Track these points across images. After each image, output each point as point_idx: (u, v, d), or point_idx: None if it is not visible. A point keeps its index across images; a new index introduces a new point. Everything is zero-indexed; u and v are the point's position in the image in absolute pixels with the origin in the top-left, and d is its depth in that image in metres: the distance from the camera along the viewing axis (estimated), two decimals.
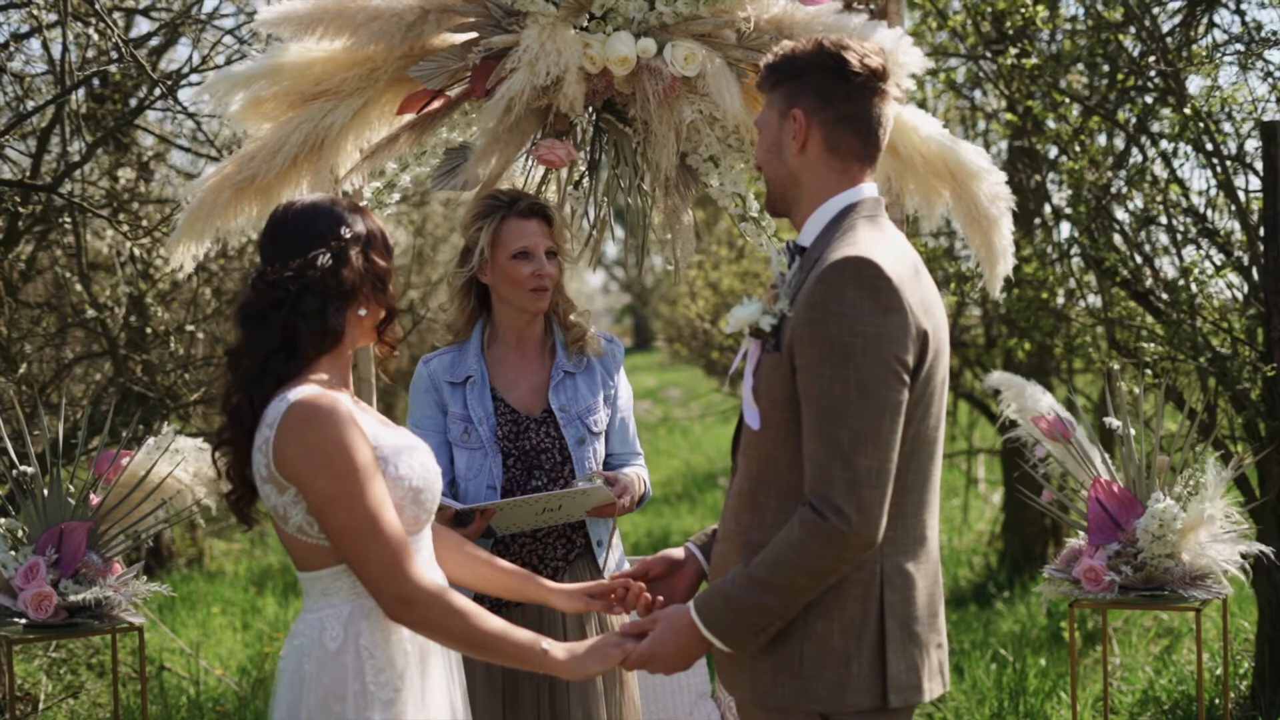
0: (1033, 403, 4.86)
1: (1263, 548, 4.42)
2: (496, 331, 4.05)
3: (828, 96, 2.91)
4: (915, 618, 2.90)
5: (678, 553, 3.32)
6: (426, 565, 3.01)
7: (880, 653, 2.85)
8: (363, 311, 2.98)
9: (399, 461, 2.93)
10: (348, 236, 2.94)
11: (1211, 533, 4.30)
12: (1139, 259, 6.36)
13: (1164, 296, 6.11)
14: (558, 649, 2.96)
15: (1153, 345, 5.94)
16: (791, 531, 2.77)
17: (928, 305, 2.85)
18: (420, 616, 2.86)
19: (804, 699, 2.86)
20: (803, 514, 2.76)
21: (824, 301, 2.75)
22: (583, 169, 4.21)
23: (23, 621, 4.11)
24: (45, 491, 4.27)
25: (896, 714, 2.90)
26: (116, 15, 6.74)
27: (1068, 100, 6.64)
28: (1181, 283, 5.96)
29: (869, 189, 2.96)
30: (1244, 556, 4.33)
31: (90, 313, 6.81)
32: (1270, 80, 5.93)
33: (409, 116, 4.03)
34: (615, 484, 3.88)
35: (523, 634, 2.95)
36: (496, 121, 3.81)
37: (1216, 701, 5.80)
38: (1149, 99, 6.50)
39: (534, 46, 3.77)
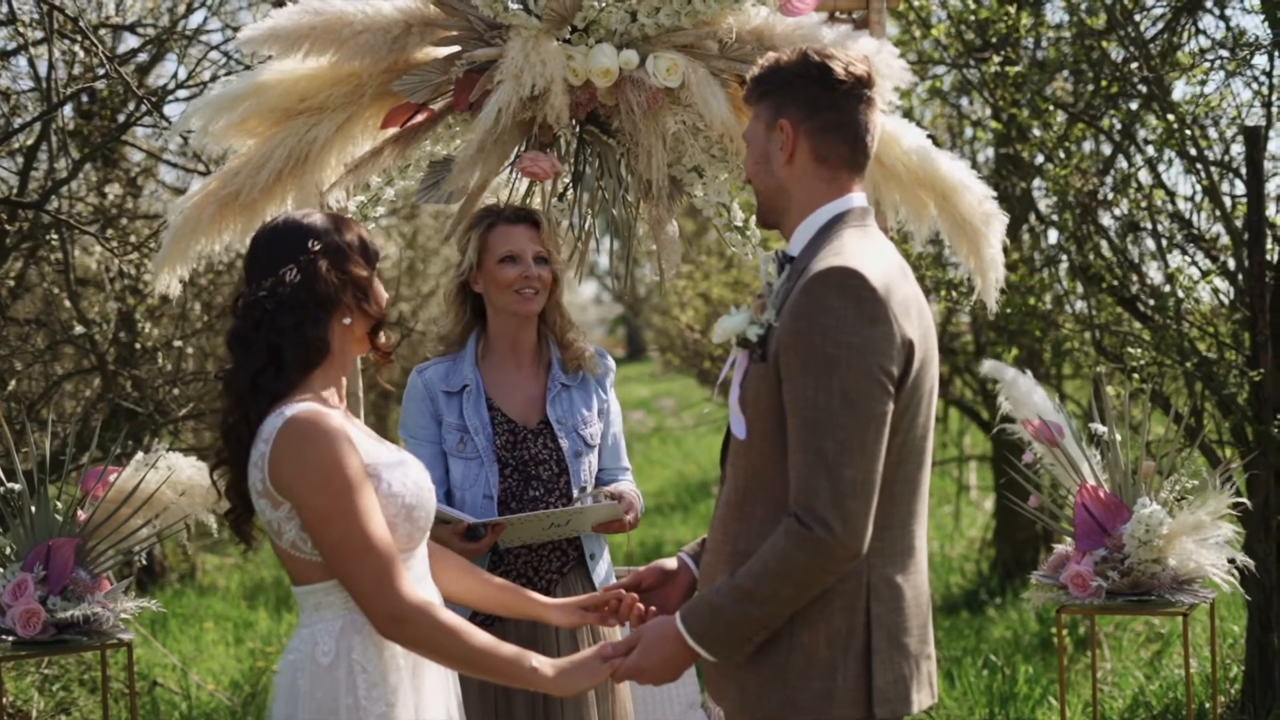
0: (1025, 395, 4.85)
1: (1245, 559, 4.42)
2: (491, 342, 4.05)
3: (814, 106, 2.91)
4: (903, 629, 2.90)
5: (670, 563, 3.32)
6: (419, 582, 3.01)
7: (866, 664, 2.85)
8: (347, 320, 2.98)
9: (392, 479, 2.94)
10: (315, 249, 2.95)
11: (1200, 538, 4.31)
12: (1125, 265, 6.37)
13: (1150, 302, 6.12)
14: (546, 666, 2.97)
15: (1139, 350, 5.95)
16: (777, 542, 2.77)
17: (914, 314, 2.84)
18: (410, 634, 2.87)
19: (790, 710, 2.85)
20: (788, 524, 2.76)
21: (808, 312, 2.75)
22: (567, 181, 4.22)
23: (11, 638, 4.10)
24: (33, 508, 4.26)
25: None
26: (103, 32, 6.74)
27: (1052, 107, 6.66)
28: (1168, 288, 5.97)
29: (858, 198, 2.96)
30: (1231, 562, 4.34)
31: (79, 329, 6.82)
32: (1254, 85, 5.96)
33: (393, 130, 4.04)
34: (621, 500, 3.90)
35: (511, 651, 2.96)
36: (485, 134, 3.82)
37: (1206, 706, 5.80)
38: (1134, 105, 6.52)
39: (519, 58, 3.78)
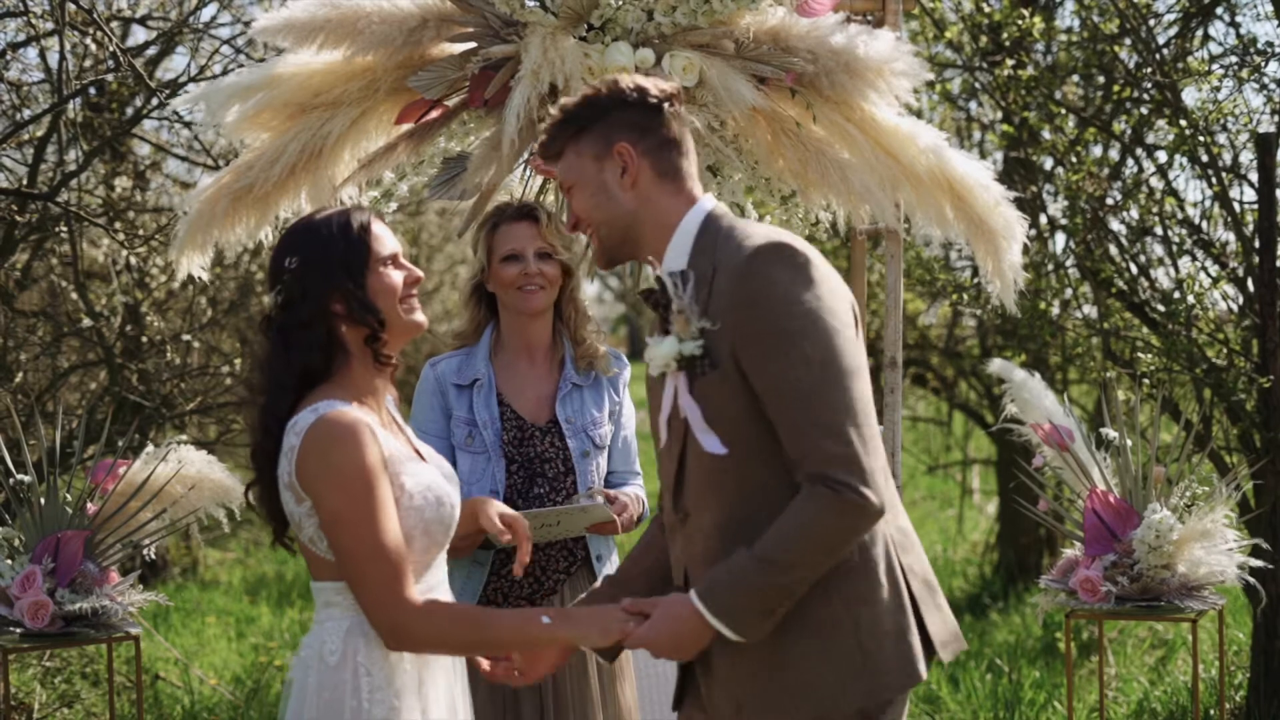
0: (1035, 398, 4.85)
1: (1256, 562, 4.41)
2: (504, 339, 4.05)
3: (643, 128, 2.94)
4: (928, 570, 2.95)
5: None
6: (430, 593, 2.99)
7: (918, 615, 2.87)
8: (345, 328, 2.96)
9: (415, 490, 2.93)
10: (292, 267, 2.93)
11: (1209, 544, 4.31)
12: (1134, 270, 6.37)
13: (1160, 308, 6.12)
14: (557, 618, 2.93)
15: (1148, 356, 5.94)
16: (804, 510, 2.72)
17: (838, 279, 2.89)
18: (416, 641, 2.87)
19: (880, 690, 2.82)
20: (811, 491, 2.72)
21: (756, 295, 2.76)
22: None
23: (19, 630, 4.10)
24: (42, 500, 4.26)
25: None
26: (113, 24, 6.73)
27: (1064, 112, 6.65)
28: (1177, 294, 5.97)
29: (710, 200, 2.98)
30: (1241, 568, 4.33)
31: (86, 321, 6.80)
32: (1265, 92, 5.95)
33: (407, 126, 4.03)
34: (614, 502, 3.88)
35: (518, 616, 2.97)
36: (506, 134, 3.81)
37: (1211, 713, 5.80)
38: (1144, 110, 6.51)
39: (536, 56, 3.78)
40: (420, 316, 3.05)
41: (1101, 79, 6.90)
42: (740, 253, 2.79)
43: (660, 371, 2.90)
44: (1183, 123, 5.76)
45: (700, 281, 2.85)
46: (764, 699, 2.87)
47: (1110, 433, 4.54)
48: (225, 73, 6.10)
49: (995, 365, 5.18)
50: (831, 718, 2.83)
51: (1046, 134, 6.57)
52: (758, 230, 2.85)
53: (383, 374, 3.02)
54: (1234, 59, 5.97)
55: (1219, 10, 6.35)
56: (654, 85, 2.97)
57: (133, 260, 7.01)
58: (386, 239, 3.01)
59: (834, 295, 2.79)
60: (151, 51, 7.42)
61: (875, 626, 2.82)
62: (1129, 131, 6.59)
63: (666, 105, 2.95)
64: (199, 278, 4.13)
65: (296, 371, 2.91)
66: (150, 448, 4.52)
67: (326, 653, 2.89)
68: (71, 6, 5.76)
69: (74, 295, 7.14)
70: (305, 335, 2.92)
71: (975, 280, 6.95)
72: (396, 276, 3.00)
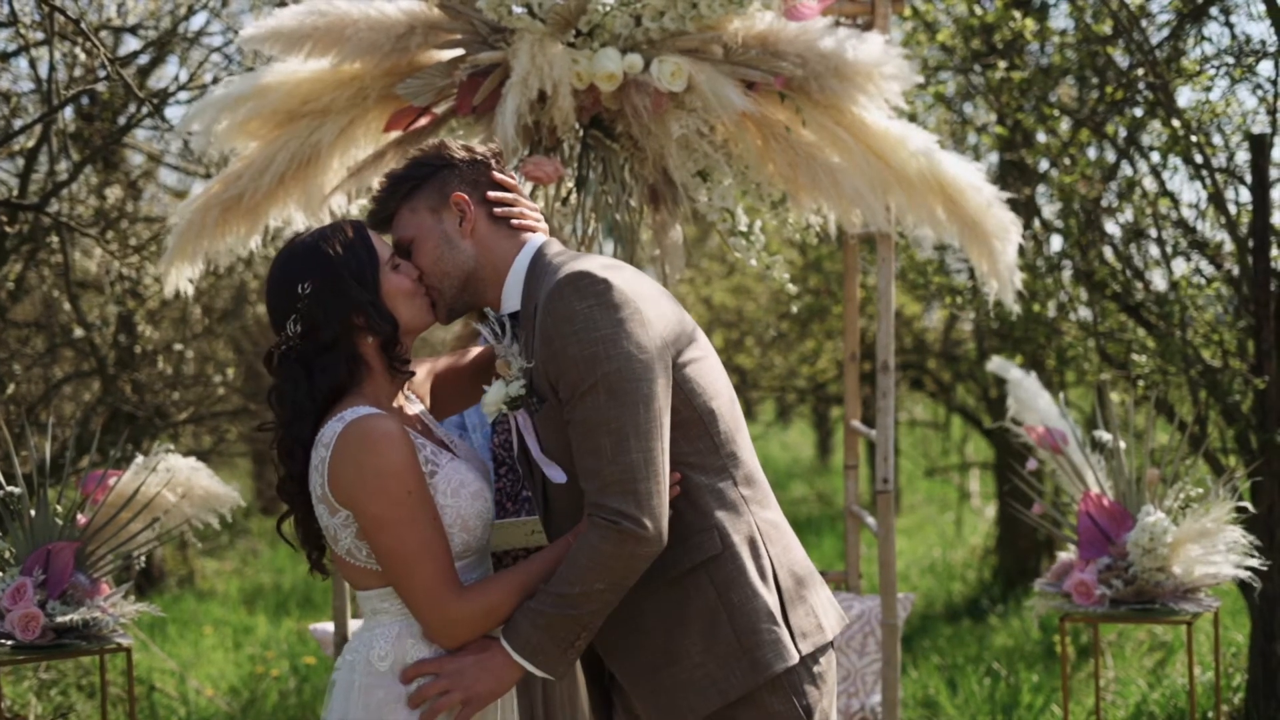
0: (1030, 398, 4.85)
1: (1252, 561, 4.40)
2: None
3: (474, 180, 3.01)
4: (796, 561, 2.96)
5: None
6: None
7: (783, 605, 2.89)
8: (370, 339, 2.95)
9: (449, 486, 2.92)
10: (306, 292, 2.91)
11: (1206, 544, 4.29)
12: (1129, 272, 6.36)
13: (1155, 309, 6.11)
14: None
15: (1144, 358, 5.92)
16: (586, 543, 2.77)
17: (651, 292, 2.90)
18: (466, 634, 2.86)
19: (760, 670, 2.85)
20: (591, 522, 2.77)
21: (556, 329, 2.79)
22: (570, 185, 4.21)
23: (9, 643, 4.08)
24: (32, 512, 4.24)
25: (809, 660, 2.91)
26: (104, 34, 6.72)
27: (1057, 113, 6.64)
28: (1172, 295, 5.96)
29: (539, 237, 3.02)
30: (1239, 568, 4.32)
31: (79, 332, 6.79)
32: (1259, 93, 5.94)
33: (396, 134, 4.02)
34: None
35: (551, 559, 2.91)
36: (506, 140, 3.81)
37: (1209, 715, 5.78)
38: (1138, 112, 6.50)
39: (525, 63, 3.77)
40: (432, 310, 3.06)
41: (1095, 80, 6.88)
42: (548, 288, 2.84)
43: (494, 414, 2.95)
44: (1176, 123, 5.76)
45: (526, 320, 2.92)
46: (663, 698, 2.92)
47: (1104, 435, 4.52)
48: (215, 81, 6.10)
49: (994, 364, 5.19)
50: (726, 697, 2.86)
51: (1041, 136, 6.56)
52: (571, 262, 2.87)
53: (398, 381, 3.01)
54: (1229, 59, 5.96)
55: (1213, 10, 6.34)
56: (479, 146, 3.05)
57: (125, 270, 6.99)
58: (380, 243, 3.02)
59: (638, 319, 2.80)
60: (143, 60, 7.42)
61: (746, 608, 2.86)
62: (1123, 133, 6.58)
63: (494, 161, 3.03)
64: (185, 292, 4.11)
65: (321, 395, 2.90)
66: (140, 458, 4.50)
67: (375, 657, 2.89)
68: (61, 17, 5.75)
69: (67, 306, 7.12)
70: (329, 357, 2.91)
71: (970, 283, 6.94)
72: (404, 276, 3.00)
